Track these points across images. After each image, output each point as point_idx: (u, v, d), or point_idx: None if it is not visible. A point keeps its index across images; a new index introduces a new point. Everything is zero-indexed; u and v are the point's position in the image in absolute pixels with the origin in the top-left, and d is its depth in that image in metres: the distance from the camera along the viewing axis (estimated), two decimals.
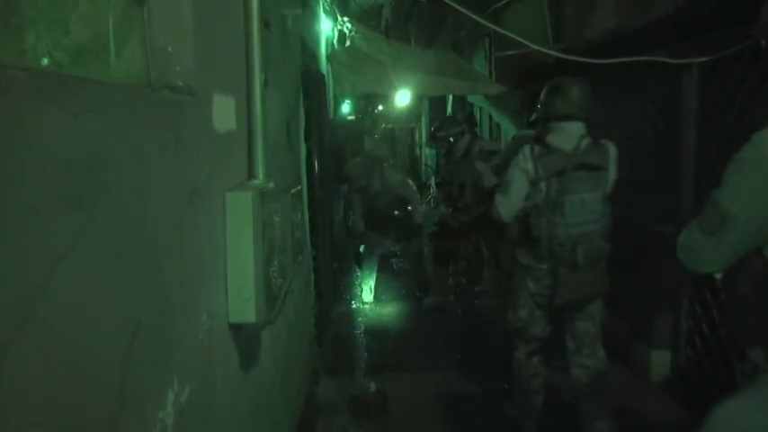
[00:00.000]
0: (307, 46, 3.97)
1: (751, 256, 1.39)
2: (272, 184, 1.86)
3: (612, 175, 2.76)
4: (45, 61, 1.03)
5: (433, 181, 10.80)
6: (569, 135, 2.71)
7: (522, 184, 2.72)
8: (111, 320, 0.98)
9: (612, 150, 2.76)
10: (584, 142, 2.70)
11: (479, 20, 4.05)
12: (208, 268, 1.49)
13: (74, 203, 0.87)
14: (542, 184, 2.67)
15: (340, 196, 7.03)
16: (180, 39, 1.39)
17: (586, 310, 2.83)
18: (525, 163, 2.70)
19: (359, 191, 5.70)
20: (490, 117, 7.07)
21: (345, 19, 5.38)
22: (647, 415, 3.25)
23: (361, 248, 6.53)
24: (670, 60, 3.17)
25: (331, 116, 6.18)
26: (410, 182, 6.01)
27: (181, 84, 1.39)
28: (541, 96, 2.86)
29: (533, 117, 3.73)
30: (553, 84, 2.80)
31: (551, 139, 2.73)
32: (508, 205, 2.77)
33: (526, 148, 2.73)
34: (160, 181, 1.21)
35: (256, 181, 1.86)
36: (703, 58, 3.02)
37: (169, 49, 1.38)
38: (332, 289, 5.28)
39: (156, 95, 1.29)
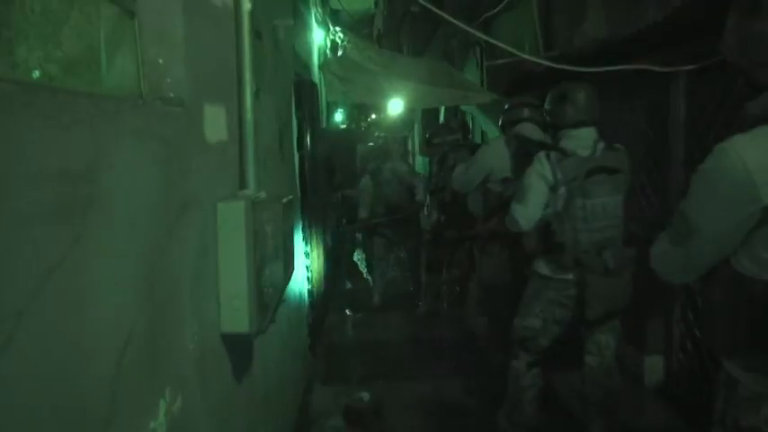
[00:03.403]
0: (299, 56, 3.99)
1: (722, 266, 1.38)
2: (263, 194, 1.87)
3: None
4: (36, 74, 1.04)
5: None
6: (584, 141, 2.65)
7: (541, 191, 2.64)
8: (103, 330, 0.99)
9: (626, 153, 2.71)
10: (600, 146, 2.64)
11: (470, 30, 4.08)
12: (199, 278, 1.49)
13: (65, 214, 0.87)
14: (563, 190, 2.60)
15: (334, 205, 7.04)
16: (171, 50, 1.40)
17: (609, 322, 2.72)
18: (543, 168, 2.61)
19: (371, 174, 5.89)
20: None
21: (337, 29, 5.42)
22: (641, 420, 3.26)
23: (355, 256, 6.54)
24: (658, 69, 3.20)
25: (324, 125, 6.20)
26: (421, 173, 6.22)
27: (172, 95, 1.41)
28: (547, 105, 2.81)
29: (501, 122, 3.71)
30: (559, 91, 2.74)
31: (566, 144, 2.67)
32: (527, 213, 2.68)
33: (542, 155, 2.65)
34: (151, 192, 1.21)
35: (248, 191, 1.87)
36: (691, 66, 3.05)
37: (160, 60, 1.39)
38: (325, 298, 5.27)
39: (147, 107, 1.30)
